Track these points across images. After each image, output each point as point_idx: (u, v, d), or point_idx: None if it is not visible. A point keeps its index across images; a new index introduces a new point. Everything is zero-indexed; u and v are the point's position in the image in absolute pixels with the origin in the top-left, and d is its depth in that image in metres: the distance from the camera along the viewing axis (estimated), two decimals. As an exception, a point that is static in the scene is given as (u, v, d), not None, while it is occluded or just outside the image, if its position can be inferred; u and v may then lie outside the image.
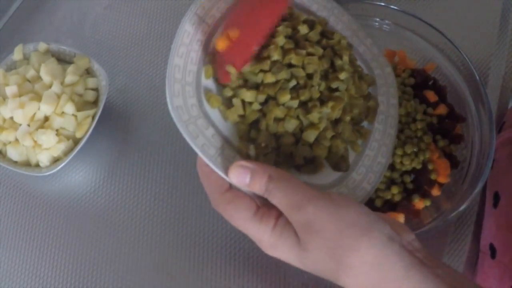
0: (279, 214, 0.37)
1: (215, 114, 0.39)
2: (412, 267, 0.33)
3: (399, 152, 0.52)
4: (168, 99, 0.38)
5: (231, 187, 0.38)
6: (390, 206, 0.53)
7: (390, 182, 0.53)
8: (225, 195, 0.37)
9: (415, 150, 0.53)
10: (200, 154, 0.37)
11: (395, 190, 0.52)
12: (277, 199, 0.36)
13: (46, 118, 0.59)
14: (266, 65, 0.40)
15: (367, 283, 0.34)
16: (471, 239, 0.55)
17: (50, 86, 0.59)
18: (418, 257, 0.34)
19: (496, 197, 0.55)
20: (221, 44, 0.40)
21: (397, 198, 0.52)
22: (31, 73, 0.61)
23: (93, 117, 0.59)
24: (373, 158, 0.44)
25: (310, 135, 0.39)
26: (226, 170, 0.37)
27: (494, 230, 0.54)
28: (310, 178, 0.41)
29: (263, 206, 0.38)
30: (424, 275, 0.32)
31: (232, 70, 0.40)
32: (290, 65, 0.40)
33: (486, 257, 0.54)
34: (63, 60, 0.64)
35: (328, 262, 0.34)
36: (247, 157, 0.39)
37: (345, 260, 0.34)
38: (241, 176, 0.37)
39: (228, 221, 0.38)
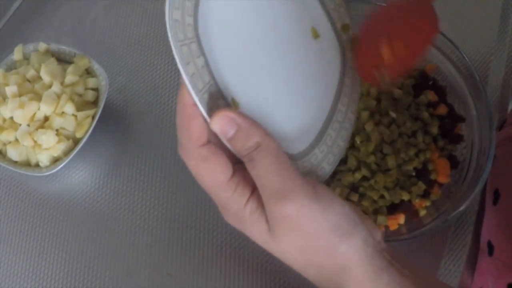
0: (255, 187, 0.33)
1: (207, 41, 0.34)
2: (381, 269, 0.33)
3: (404, 156, 0.52)
4: (166, 10, 0.32)
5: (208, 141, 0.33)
6: (390, 207, 0.53)
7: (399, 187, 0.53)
8: (201, 150, 0.32)
9: (415, 151, 0.53)
10: (188, 84, 0.31)
11: (405, 195, 0.52)
12: (256, 173, 0.32)
13: (46, 118, 0.59)
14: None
15: (334, 282, 0.33)
16: (471, 239, 0.55)
17: (50, 86, 0.59)
18: (386, 257, 0.34)
19: (496, 195, 0.55)
20: (386, 54, 0.43)
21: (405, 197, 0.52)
22: (31, 73, 0.61)
23: (93, 117, 0.59)
24: (334, 139, 0.44)
25: None
26: (209, 112, 0.32)
27: (493, 228, 0.54)
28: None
29: (238, 167, 0.33)
30: (392, 277, 0.33)
31: (387, 78, 0.43)
32: None
33: (484, 255, 0.54)
34: (63, 60, 0.64)
35: (298, 257, 0.34)
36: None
37: (316, 260, 0.33)
38: (226, 127, 0.31)
39: (195, 177, 0.33)
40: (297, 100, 0.42)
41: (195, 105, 0.31)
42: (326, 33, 0.45)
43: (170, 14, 0.32)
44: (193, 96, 0.31)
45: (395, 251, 0.35)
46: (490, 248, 0.53)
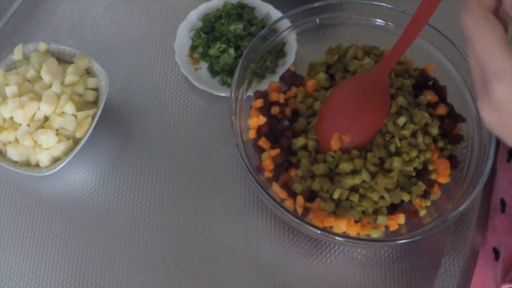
0: None
1: None
2: None
3: (405, 157, 0.52)
4: None
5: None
6: (390, 207, 0.53)
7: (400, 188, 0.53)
8: (485, 11, 0.33)
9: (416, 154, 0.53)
10: None
11: (406, 196, 0.52)
12: None
13: (46, 118, 0.59)
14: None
15: None
16: (471, 240, 0.55)
17: (50, 86, 0.59)
18: None
19: (511, 153, 0.54)
20: (335, 145, 0.53)
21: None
22: (31, 73, 0.61)
23: (93, 117, 0.59)
24: None
25: None
26: None
27: (506, 184, 0.53)
28: None
29: None
30: None
31: (337, 156, 0.53)
32: None
33: (497, 213, 0.53)
34: (63, 60, 0.64)
35: None
36: None
37: None
38: None
39: (468, 39, 0.33)
40: None
41: None
42: None
43: None
44: None
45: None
46: (503, 204, 0.53)
